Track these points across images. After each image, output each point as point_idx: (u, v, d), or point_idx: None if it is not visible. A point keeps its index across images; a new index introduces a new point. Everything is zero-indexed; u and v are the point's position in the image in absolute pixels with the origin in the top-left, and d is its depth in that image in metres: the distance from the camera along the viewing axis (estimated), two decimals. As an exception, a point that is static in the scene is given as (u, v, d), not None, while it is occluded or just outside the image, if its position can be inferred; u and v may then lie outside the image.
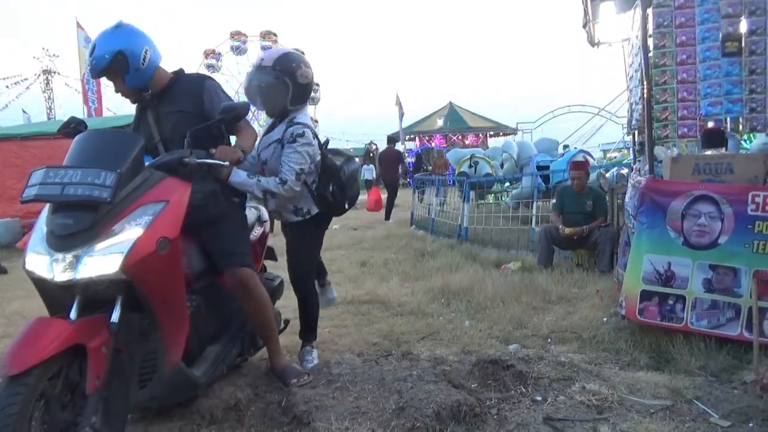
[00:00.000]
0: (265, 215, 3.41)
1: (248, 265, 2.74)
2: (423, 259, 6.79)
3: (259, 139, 3.10)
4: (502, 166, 13.23)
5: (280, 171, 2.96)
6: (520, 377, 2.87)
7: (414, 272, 6.12)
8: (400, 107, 27.26)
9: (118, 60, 2.48)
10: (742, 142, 6.49)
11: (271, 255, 3.52)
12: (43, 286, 2.13)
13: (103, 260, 2.01)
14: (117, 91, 2.64)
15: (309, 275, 3.39)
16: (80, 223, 2.04)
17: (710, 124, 4.01)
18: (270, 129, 3.22)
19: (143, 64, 2.55)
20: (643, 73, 3.89)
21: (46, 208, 2.18)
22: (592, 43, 5.86)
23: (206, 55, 32.43)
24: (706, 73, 3.77)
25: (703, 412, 2.54)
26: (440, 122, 29.85)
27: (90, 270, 2.00)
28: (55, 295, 2.14)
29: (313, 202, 3.18)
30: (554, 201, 6.60)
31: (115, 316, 2.06)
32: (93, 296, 2.09)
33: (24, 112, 25.42)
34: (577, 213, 5.97)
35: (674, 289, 3.45)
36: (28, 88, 29.37)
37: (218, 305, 2.72)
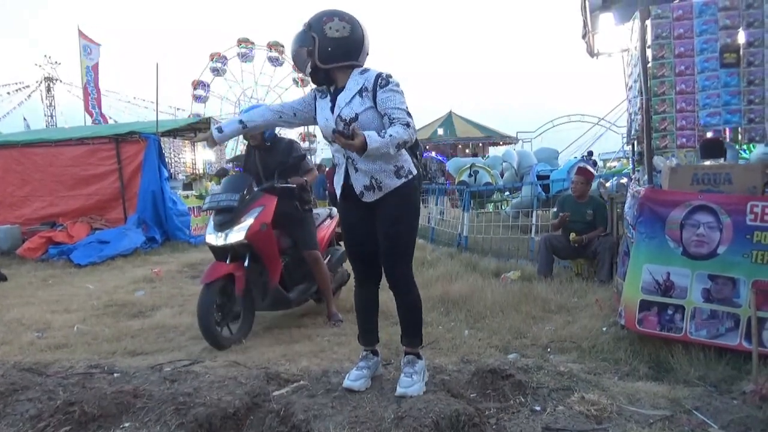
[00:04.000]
0: (335, 212, 5.00)
1: (318, 249, 4.63)
2: (422, 267, 6.78)
3: (319, 110, 2.90)
4: (502, 175, 13.27)
5: (391, 118, 2.68)
6: (519, 387, 2.86)
7: (413, 281, 6.11)
8: None
9: None
10: (742, 152, 6.50)
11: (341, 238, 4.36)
12: (213, 249, 4.26)
13: (238, 234, 4.09)
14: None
15: (410, 261, 2.92)
16: (227, 217, 4.15)
17: (709, 135, 4.02)
18: (330, 97, 2.86)
19: None
20: (642, 84, 3.91)
21: (213, 213, 4.30)
22: (592, 53, 5.86)
23: (212, 58, 32.83)
24: (704, 83, 3.79)
25: (702, 423, 2.53)
26: (441, 131, 29.85)
27: (232, 238, 4.10)
28: (218, 253, 4.22)
29: (411, 161, 2.90)
30: (554, 210, 6.61)
31: (246, 262, 4.15)
32: (235, 254, 4.15)
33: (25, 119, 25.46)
34: (578, 222, 5.97)
35: (673, 299, 3.45)
36: (29, 96, 29.32)
37: (299, 263, 4.62)
